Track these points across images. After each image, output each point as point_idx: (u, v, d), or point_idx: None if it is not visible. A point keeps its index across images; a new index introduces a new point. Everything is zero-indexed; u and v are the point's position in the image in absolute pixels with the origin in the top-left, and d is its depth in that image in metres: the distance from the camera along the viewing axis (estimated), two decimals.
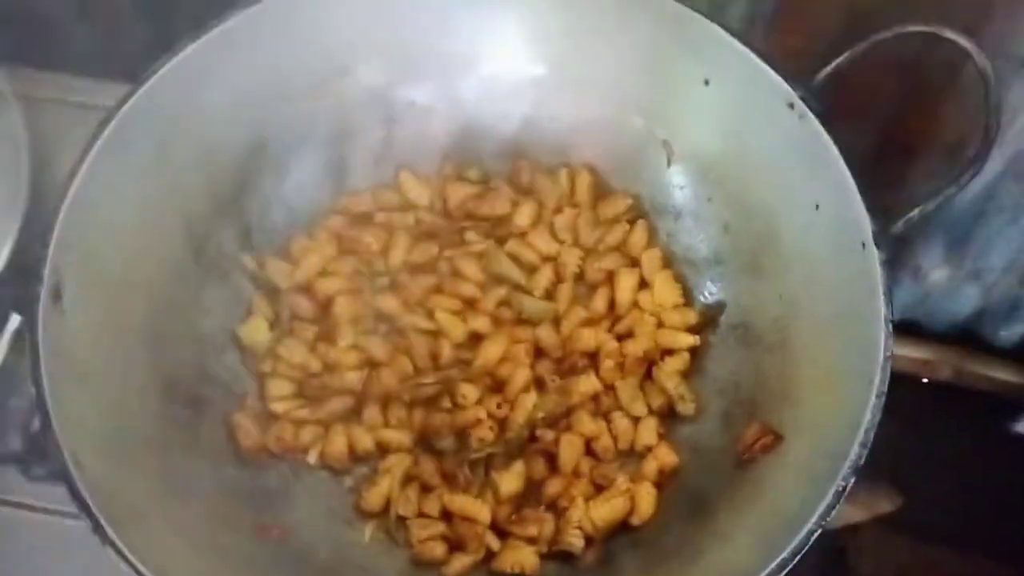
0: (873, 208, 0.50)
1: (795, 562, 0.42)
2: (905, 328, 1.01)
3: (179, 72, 0.53)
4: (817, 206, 0.54)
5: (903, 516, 1.05)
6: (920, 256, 0.91)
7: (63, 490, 0.42)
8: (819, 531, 0.43)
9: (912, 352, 1.04)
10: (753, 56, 0.55)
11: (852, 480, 0.44)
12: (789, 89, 0.54)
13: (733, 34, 0.55)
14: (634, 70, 0.60)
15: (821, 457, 0.46)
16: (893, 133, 0.69)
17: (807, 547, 0.43)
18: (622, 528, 0.53)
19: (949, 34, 0.49)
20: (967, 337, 1.01)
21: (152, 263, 0.54)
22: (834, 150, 0.52)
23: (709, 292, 0.60)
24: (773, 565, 0.42)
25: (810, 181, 0.54)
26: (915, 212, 0.50)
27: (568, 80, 0.62)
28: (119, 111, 0.51)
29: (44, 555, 0.57)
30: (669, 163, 0.61)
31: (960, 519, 1.02)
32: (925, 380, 1.05)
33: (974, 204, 0.85)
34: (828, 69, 0.53)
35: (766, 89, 0.55)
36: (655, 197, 0.62)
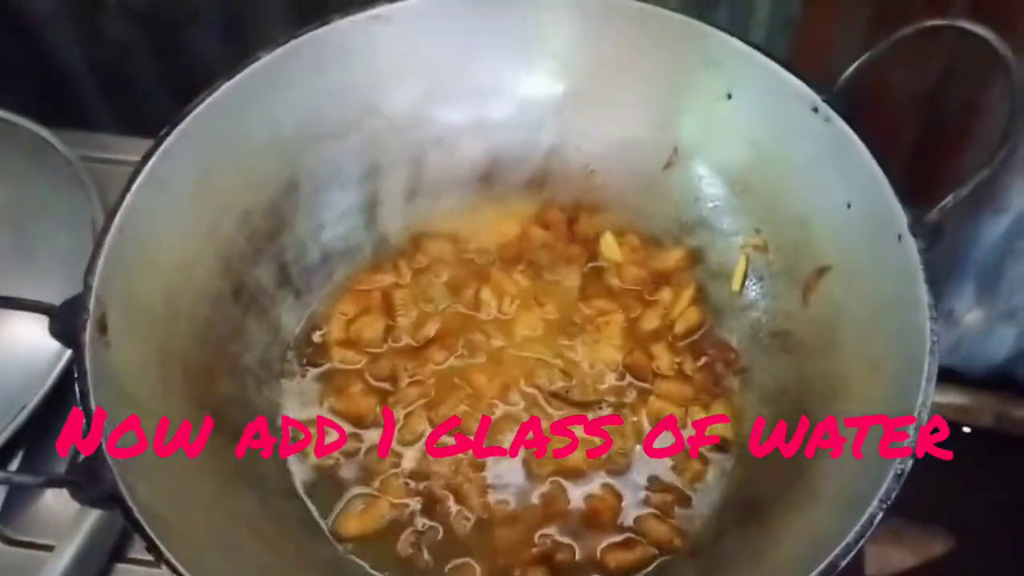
0: (906, 200, 0.50)
1: (859, 547, 0.41)
2: (942, 375, 1.00)
3: (214, 110, 0.55)
4: (849, 205, 0.54)
5: (951, 567, 1.03)
6: (952, 299, 0.91)
7: None
8: (880, 515, 0.42)
9: (951, 399, 1.03)
10: (774, 65, 0.56)
11: (909, 465, 0.43)
12: (812, 93, 0.55)
13: (752, 46, 0.56)
14: (656, 92, 0.61)
15: (878, 447, 0.46)
16: (921, 133, 0.70)
17: (870, 531, 0.42)
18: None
19: (967, 25, 0.50)
20: (1006, 381, 1.00)
21: (192, 297, 0.55)
22: (862, 147, 0.53)
23: (746, 306, 0.60)
24: (838, 550, 0.41)
25: (840, 181, 0.54)
26: (949, 198, 0.50)
27: (592, 106, 0.63)
28: (158, 148, 0.53)
29: None
30: (697, 181, 0.62)
31: (1011, 569, 1.00)
32: (966, 429, 1.04)
33: (1002, 242, 0.85)
34: (850, 70, 0.54)
35: (789, 96, 0.55)
36: (685, 215, 0.62)
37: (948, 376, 1.01)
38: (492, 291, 0.61)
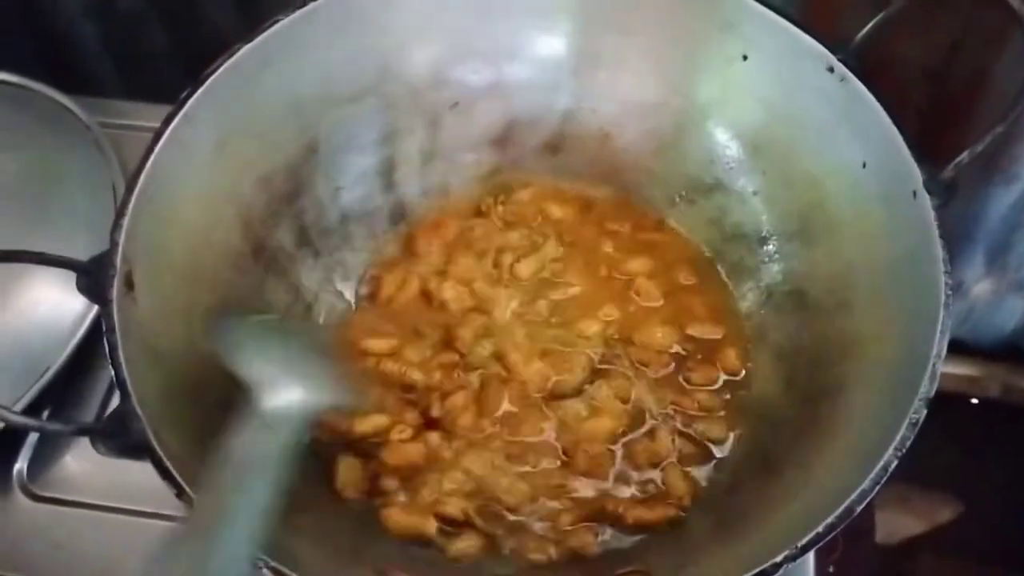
0: (921, 157, 0.51)
1: (874, 493, 0.42)
2: (951, 346, 1.01)
3: (233, 74, 0.55)
4: (864, 164, 0.54)
5: (961, 535, 1.04)
6: (961, 270, 0.92)
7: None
8: (895, 462, 0.43)
9: (959, 369, 1.04)
10: (790, 25, 0.56)
11: (924, 413, 0.44)
12: (828, 53, 0.55)
13: (768, 6, 0.57)
14: (672, 54, 0.62)
15: (892, 398, 0.46)
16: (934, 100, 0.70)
17: (885, 477, 0.42)
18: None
19: None
20: (1014, 352, 1.01)
21: (215, 258, 0.55)
22: (878, 107, 0.53)
23: (761, 266, 0.61)
24: (855, 495, 0.42)
25: (855, 141, 0.55)
26: (964, 155, 0.50)
27: (607, 68, 0.63)
28: (180, 111, 0.53)
29: None
30: (712, 143, 0.62)
31: (1018, 538, 1.01)
32: (974, 400, 1.05)
33: (1011, 214, 0.85)
34: (866, 29, 0.54)
35: (805, 56, 0.56)
36: (701, 176, 0.63)
37: (956, 347, 1.02)
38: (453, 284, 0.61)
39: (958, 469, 1.05)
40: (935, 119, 0.81)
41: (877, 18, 0.54)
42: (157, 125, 0.52)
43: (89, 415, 0.63)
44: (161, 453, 0.43)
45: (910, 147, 0.51)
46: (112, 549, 0.59)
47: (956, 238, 0.90)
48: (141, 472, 0.44)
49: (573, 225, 0.63)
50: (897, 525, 1.08)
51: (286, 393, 0.47)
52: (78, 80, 0.93)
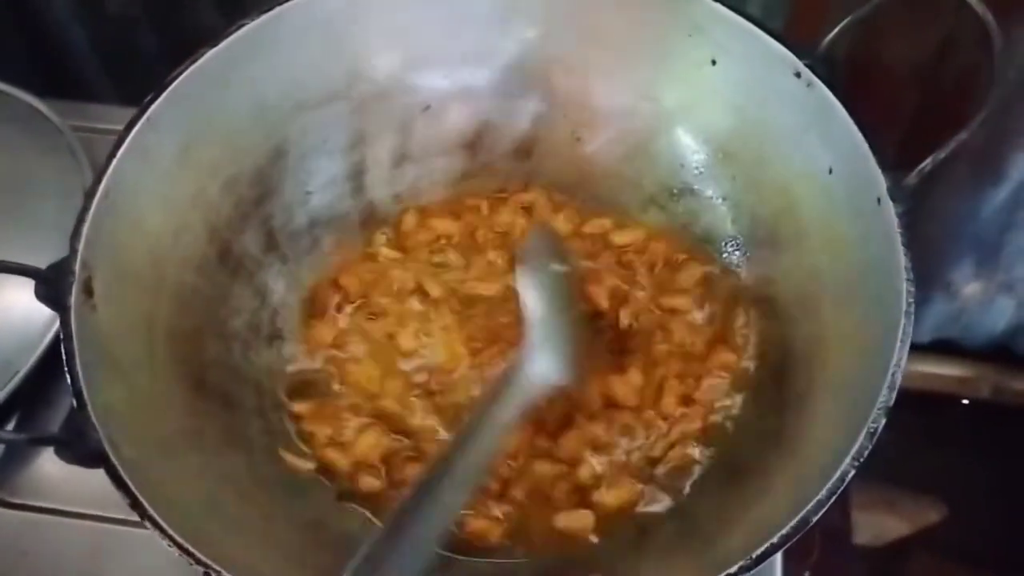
0: (885, 164, 0.51)
1: (830, 503, 0.42)
2: (941, 347, 1.01)
3: (199, 77, 0.55)
4: (830, 170, 0.54)
5: (948, 537, 1.04)
6: (951, 272, 0.91)
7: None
8: (853, 472, 0.43)
9: (949, 370, 1.04)
10: (757, 30, 0.56)
11: (882, 423, 0.44)
12: (795, 58, 0.55)
13: (736, 11, 0.56)
14: (640, 58, 0.61)
15: (852, 407, 0.46)
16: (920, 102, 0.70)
17: (842, 487, 0.42)
18: None
19: None
20: (1005, 353, 1.01)
21: (179, 263, 0.55)
22: (843, 113, 0.53)
23: (729, 271, 0.61)
24: (810, 505, 0.42)
25: (822, 146, 0.54)
26: (927, 161, 0.50)
27: (578, 73, 0.63)
28: (143, 115, 0.53)
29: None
30: (682, 148, 0.62)
31: (1006, 541, 1.01)
32: (965, 401, 1.05)
33: (1000, 215, 0.85)
34: (832, 34, 0.54)
35: (772, 61, 0.55)
36: (671, 181, 0.63)
37: (947, 347, 1.02)
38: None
39: (948, 470, 1.05)
40: (924, 119, 0.80)
41: (844, 22, 0.54)
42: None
43: (60, 421, 0.62)
44: (116, 462, 0.43)
45: (875, 153, 0.51)
46: (82, 556, 0.59)
47: (946, 239, 0.90)
48: None
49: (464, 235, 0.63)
50: (884, 527, 1.08)
51: (552, 362, 0.47)
52: (67, 84, 0.93)
